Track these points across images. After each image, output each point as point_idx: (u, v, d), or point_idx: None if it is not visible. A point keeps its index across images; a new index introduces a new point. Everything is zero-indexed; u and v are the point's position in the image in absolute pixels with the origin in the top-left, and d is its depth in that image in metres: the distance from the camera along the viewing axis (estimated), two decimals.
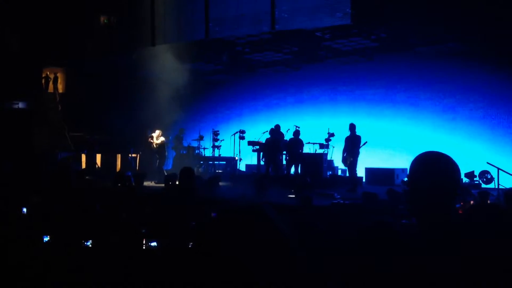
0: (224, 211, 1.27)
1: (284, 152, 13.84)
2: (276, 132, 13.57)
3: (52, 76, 16.01)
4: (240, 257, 1.16)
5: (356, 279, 1.44)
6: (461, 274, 1.54)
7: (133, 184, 9.22)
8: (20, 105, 15.00)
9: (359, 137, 12.11)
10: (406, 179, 1.89)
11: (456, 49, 13.97)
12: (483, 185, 12.27)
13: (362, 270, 1.44)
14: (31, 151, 13.88)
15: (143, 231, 3.60)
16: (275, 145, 13.37)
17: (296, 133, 13.35)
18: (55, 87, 15.97)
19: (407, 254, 1.45)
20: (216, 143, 16.35)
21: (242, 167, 16.59)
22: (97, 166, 15.12)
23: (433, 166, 1.82)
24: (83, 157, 15.09)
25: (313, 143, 14.32)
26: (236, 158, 16.05)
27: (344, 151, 12.21)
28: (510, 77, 13.14)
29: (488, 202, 8.32)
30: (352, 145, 12.09)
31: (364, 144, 12.18)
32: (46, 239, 3.74)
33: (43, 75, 15.89)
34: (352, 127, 12.21)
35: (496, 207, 2.16)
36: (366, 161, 13.29)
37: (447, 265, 1.55)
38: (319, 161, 13.40)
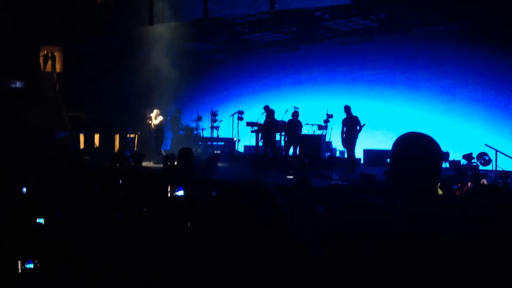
0: (224, 190, 1.27)
1: (283, 133, 13.84)
2: (267, 113, 13.53)
3: (49, 55, 15.87)
4: (241, 236, 1.16)
5: (338, 259, 1.43)
6: (444, 257, 1.54)
7: (132, 164, 9.22)
8: (18, 84, 14.90)
9: (356, 118, 12.12)
10: (388, 160, 1.86)
11: (456, 30, 13.87)
12: (481, 167, 12.31)
13: (345, 250, 1.43)
14: (29, 131, 13.84)
15: (144, 209, 3.62)
16: (269, 127, 13.39)
17: (295, 114, 13.32)
18: (53, 67, 15.84)
19: (389, 235, 1.45)
20: (215, 124, 16.33)
21: (240, 148, 16.60)
22: (95, 146, 15.11)
23: (414, 147, 1.79)
24: (81, 137, 15.06)
25: (312, 124, 14.30)
26: (235, 139, 16.04)
27: (343, 133, 12.24)
28: (509, 58, 13.07)
29: (485, 183, 8.36)
30: (350, 126, 12.11)
31: (363, 126, 12.17)
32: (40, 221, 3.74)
33: (41, 55, 15.75)
34: (347, 108, 12.22)
35: (495, 188, 2.16)
36: (364, 142, 13.31)
37: (431, 247, 1.54)
38: (317, 143, 13.40)
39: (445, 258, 1.52)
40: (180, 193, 4.88)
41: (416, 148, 1.79)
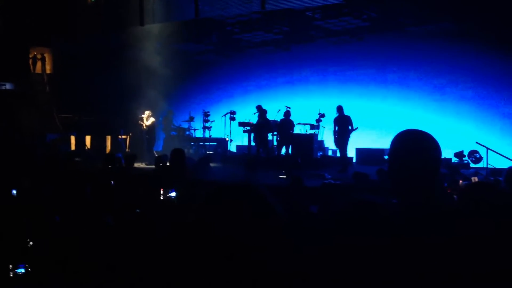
0: (216, 189, 1.26)
1: (275, 133, 13.85)
2: (259, 113, 13.54)
3: (39, 56, 15.76)
4: (233, 235, 1.15)
5: (335, 258, 1.42)
6: (439, 255, 1.54)
7: (124, 165, 9.17)
8: (7, 86, 14.77)
9: (348, 117, 12.13)
10: (386, 157, 1.83)
11: (447, 29, 13.95)
12: (472, 165, 12.40)
13: (341, 249, 1.42)
14: (20, 133, 13.73)
15: (137, 210, 3.61)
16: (261, 127, 13.40)
17: (287, 113, 13.33)
18: (43, 68, 15.72)
19: (388, 234, 1.43)
20: (207, 124, 16.30)
21: (233, 148, 16.59)
22: (86, 147, 15.02)
23: (414, 144, 1.78)
24: (72, 138, 14.97)
25: (304, 124, 14.32)
26: (227, 139, 16.03)
27: (335, 132, 12.26)
28: (500, 57, 13.16)
29: (476, 181, 8.41)
30: (342, 125, 12.12)
31: (356, 129, 12.15)
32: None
33: (31, 56, 15.63)
34: (339, 108, 12.23)
35: (487, 185, 2.17)
36: (356, 141, 13.35)
37: (427, 245, 1.54)
38: (309, 142, 13.42)
39: (442, 256, 1.52)
40: (172, 194, 4.88)
41: (415, 145, 1.78)
